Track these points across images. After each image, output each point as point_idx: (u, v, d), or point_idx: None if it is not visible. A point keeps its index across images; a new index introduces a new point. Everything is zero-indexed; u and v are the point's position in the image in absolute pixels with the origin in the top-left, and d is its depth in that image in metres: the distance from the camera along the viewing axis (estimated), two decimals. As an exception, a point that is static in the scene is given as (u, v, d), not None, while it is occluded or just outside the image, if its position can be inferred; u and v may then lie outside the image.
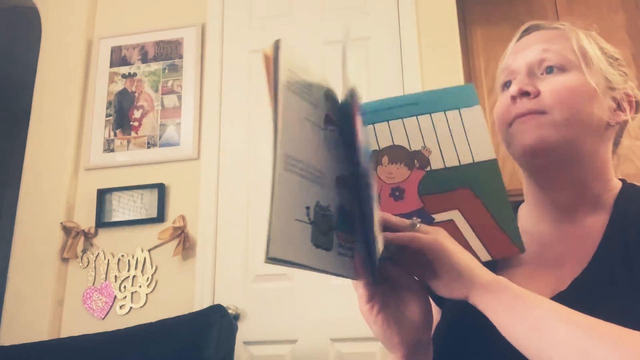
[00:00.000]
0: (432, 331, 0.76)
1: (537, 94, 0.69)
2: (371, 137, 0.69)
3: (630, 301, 0.57)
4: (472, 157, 0.68)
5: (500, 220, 0.65)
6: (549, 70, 0.71)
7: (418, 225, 0.59)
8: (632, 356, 0.46)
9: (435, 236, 0.57)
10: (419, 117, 0.69)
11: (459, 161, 0.68)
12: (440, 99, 0.70)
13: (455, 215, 0.66)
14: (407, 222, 0.60)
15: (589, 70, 0.70)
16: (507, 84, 0.75)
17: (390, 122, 0.69)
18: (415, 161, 0.68)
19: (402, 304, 0.62)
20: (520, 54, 0.74)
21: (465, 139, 0.68)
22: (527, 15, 2.41)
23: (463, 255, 0.57)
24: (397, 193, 0.67)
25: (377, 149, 0.69)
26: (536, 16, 2.35)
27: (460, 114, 0.69)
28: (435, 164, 0.68)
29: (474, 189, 0.67)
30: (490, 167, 0.68)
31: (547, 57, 0.71)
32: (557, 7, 2.41)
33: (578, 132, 0.68)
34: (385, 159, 0.68)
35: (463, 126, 0.69)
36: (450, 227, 0.65)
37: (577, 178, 0.70)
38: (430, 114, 0.69)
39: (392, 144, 0.69)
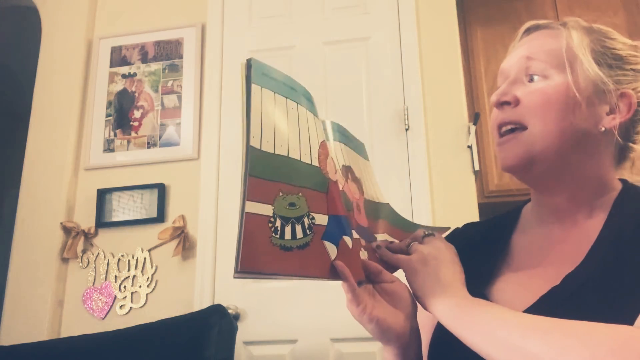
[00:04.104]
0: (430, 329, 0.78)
1: (517, 103, 0.70)
2: (340, 153, 0.74)
3: (619, 297, 0.57)
4: (379, 198, 0.81)
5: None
6: (531, 78, 0.70)
7: (411, 245, 0.70)
8: (562, 345, 0.50)
9: (411, 258, 0.67)
10: (354, 152, 0.79)
11: (373, 198, 0.79)
12: (359, 146, 0.82)
13: (387, 237, 0.76)
14: (405, 244, 0.71)
15: (574, 77, 0.68)
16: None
17: (347, 145, 0.77)
18: (360, 186, 0.76)
19: (389, 297, 0.66)
20: (512, 62, 0.74)
21: (374, 182, 0.82)
22: (527, 15, 2.41)
23: (425, 275, 0.65)
24: (358, 207, 0.73)
25: (345, 164, 0.74)
26: (536, 17, 2.35)
27: (366, 163, 0.83)
28: (366, 194, 0.77)
29: (388, 220, 0.79)
30: (389, 207, 0.82)
31: (530, 65, 0.71)
32: (557, 7, 2.42)
33: (557, 144, 0.67)
34: (349, 175, 0.74)
35: (371, 172, 0.82)
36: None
37: (570, 184, 0.70)
38: (359, 154, 0.81)
39: (349, 164, 0.75)
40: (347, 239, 0.63)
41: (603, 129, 0.68)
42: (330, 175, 0.65)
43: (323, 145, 0.66)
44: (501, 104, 0.71)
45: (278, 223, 0.56)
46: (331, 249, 0.60)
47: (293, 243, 0.56)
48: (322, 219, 0.61)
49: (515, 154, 0.69)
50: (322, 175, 0.64)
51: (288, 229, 0.57)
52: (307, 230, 0.58)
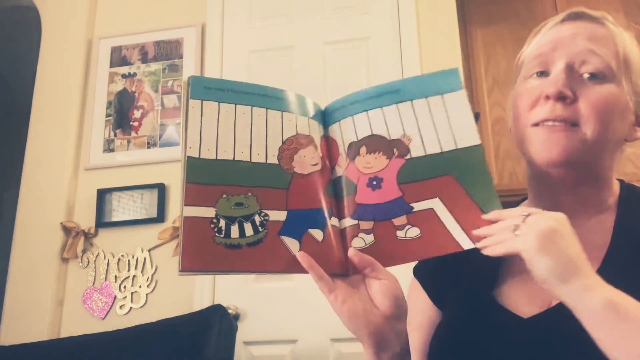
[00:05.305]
0: (422, 329, 0.76)
1: (574, 101, 0.65)
2: (350, 129, 0.69)
3: None
4: (455, 143, 0.66)
5: (485, 207, 0.63)
6: (591, 76, 0.66)
7: (518, 230, 0.56)
8: None
9: (527, 237, 0.55)
10: (399, 104, 0.69)
11: (441, 148, 0.66)
12: (423, 85, 0.70)
13: (435, 204, 0.64)
14: (509, 226, 0.57)
15: (628, 83, 0.66)
16: (539, 74, 0.70)
17: (369, 112, 0.69)
18: (395, 150, 0.67)
19: (374, 294, 0.62)
20: (562, 46, 0.68)
21: (448, 124, 0.67)
22: (527, 15, 2.41)
23: (555, 256, 0.54)
24: (374, 182, 0.66)
25: (355, 140, 0.69)
26: (536, 16, 2.35)
27: (443, 99, 0.69)
28: (416, 151, 0.67)
29: (457, 176, 0.65)
30: (474, 154, 0.66)
31: (592, 60, 0.66)
32: (557, 7, 2.41)
33: (602, 150, 0.66)
34: (363, 149, 0.68)
35: (446, 112, 0.68)
36: (430, 216, 0.64)
37: (586, 186, 0.69)
38: (411, 100, 0.69)
39: (370, 133, 0.69)
40: (315, 232, 0.63)
41: (631, 140, 0.69)
42: (298, 169, 0.66)
43: (290, 141, 0.67)
44: (559, 98, 0.65)
45: (222, 223, 0.60)
46: (291, 244, 0.62)
47: (242, 241, 0.60)
48: (279, 215, 0.63)
49: (564, 148, 0.64)
50: (283, 171, 0.65)
51: (235, 228, 0.60)
52: (259, 228, 0.61)
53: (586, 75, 0.66)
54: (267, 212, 0.62)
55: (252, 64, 2.18)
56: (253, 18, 2.26)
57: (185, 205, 0.59)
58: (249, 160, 0.64)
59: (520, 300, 0.67)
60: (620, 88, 0.66)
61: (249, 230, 0.61)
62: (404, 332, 0.63)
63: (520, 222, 0.56)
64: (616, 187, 0.72)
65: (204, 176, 0.61)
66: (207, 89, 0.65)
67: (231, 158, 0.63)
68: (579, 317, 0.53)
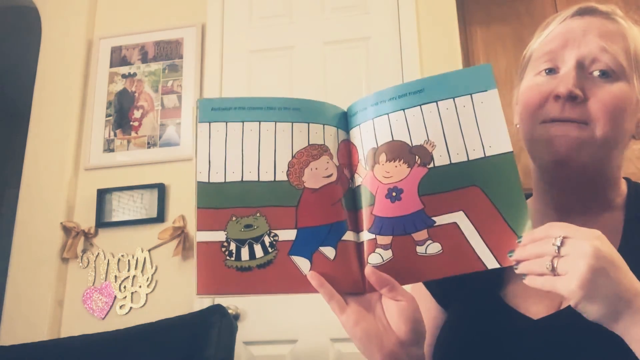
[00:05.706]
0: (431, 332, 0.75)
1: (584, 100, 0.64)
2: (370, 133, 0.64)
3: None
4: (484, 150, 0.60)
5: (514, 223, 0.57)
6: (602, 74, 0.65)
7: (555, 265, 0.51)
8: None
9: (557, 286, 0.51)
10: (422, 106, 0.62)
11: (468, 156, 0.60)
12: (450, 83, 0.62)
13: (459, 218, 0.59)
14: (545, 256, 0.52)
15: (639, 80, 0.66)
16: (548, 71, 0.69)
17: (390, 114, 0.63)
18: (417, 157, 0.61)
19: (390, 315, 0.58)
20: (572, 42, 0.67)
21: (476, 129, 0.61)
22: (527, 15, 2.41)
23: (589, 309, 0.50)
24: (393, 194, 0.61)
25: (375, 146, 0.63)
26: (536, 16, 2.35)
27: (472, 100, 0.62)
28: (440, 159, 0.60)
29: (484, 187, 0.59)
30: (504, 162, 0.59)
31: (603, 58, 0.65)
32: (557, 7, 2.41)
33: (611, 149, 0.66)
34: (382, 157, 0.62)
35: (475, 114, 0.61)
36: (453, 231, 0.59)
37: (594, 185, 0.69)
38: (436, 102, 0.62)
39: (391, 139, 0.62)
40: (326, 249, 0.61)
41: (638, 137, 0.69)
42: (308, 183, 0.63)
43: (300, 154, 0.63)
44: (570, 98, 0.64)
45: (233, 246, 0.60)
46: (302, 263, 0.60)
47: (252, 263, 0.60)
48: (288, 235, 0.61)
49: (573, 147, 0.63)
50: (292, 187, 0.63)
51: (245, 250, 0.60)
52: (269, 249, 0.61)
53: (596, 73, 0.65)
54: (277, 231, 0.61)
55: (252, 64, 2.18)
56: (253, 18, 2.26)
57: (197, 230, 0.60)
58: (257, 179, 0.63)
59: (528, 300, 0.66)
60: (630, 86, 0.66)
61: (259, 251, 0.60)
62: (422, 358, 0.60)
63: (555, 253, 0.51)
64: (623, 186, 0.71)
65: (214, 200, 0.62)
66: (215, 110, 0.65)
67: (239, 179, 0.63)
68: (633, 349, 0.50)
